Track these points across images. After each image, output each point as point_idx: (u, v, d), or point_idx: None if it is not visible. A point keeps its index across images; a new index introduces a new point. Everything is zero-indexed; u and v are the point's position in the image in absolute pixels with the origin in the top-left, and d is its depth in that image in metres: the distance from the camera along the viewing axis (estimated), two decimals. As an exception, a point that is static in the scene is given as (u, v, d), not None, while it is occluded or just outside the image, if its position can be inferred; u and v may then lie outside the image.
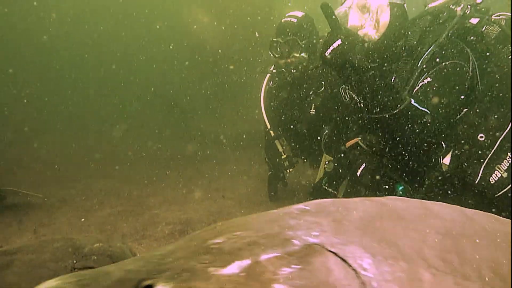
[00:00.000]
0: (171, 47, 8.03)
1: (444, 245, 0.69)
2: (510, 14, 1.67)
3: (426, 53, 1.55)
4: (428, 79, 1.54)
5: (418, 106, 1.51)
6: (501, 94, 1.52)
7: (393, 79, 1.70)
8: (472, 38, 1.58)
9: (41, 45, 10.26)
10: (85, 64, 10.58)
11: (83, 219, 2.75)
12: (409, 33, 1.66)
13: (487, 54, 1.55)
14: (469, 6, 1.70)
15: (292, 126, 3.06)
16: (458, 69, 1.52)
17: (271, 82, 3.11)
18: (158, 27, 8.65)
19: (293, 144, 3.18)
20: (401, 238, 0.69)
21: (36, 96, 8.94)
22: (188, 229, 2.65)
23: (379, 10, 1.63)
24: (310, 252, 0.62)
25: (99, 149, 5.94)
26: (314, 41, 2.81)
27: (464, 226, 0.75)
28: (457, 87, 1.51)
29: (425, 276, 0.63)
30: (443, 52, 1.55)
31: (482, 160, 1.51)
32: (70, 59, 10.72)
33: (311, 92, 2.93)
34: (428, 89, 1.52)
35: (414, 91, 1.58)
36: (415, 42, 1.63)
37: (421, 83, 1.56)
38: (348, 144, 1.93)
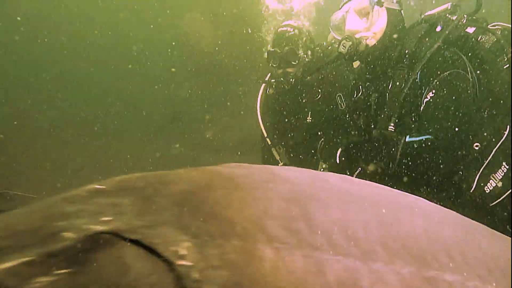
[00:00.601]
0: (169, 50, 8.05)
1: (290, 213, 0.58)
2: (506, 24, 1.68)
3: (423, 60, 1.53)
4: (431, 93, 1.50)
5: (416, 139, 1.48)
6: (496, 104, 1.51)
7: (389, 86, 1.69)
8: (468, 47, 1.57)
9: (38, 48, 10.25)
10: (79, 68, 10.57)
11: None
12: (406, 40, 1.65)
13: (484, 63, 1.53)
14: (465, 16, 1.70)
15: (288, 134, 3.06)
16: (460, 79, 1.48)
17: (268, 90, 3.11)
18: (152, 26, 8.67)
19: (289, 152, 3.17)
20: (236, 210, 0.57)
21: (31, 101, 8.91)
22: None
23: (376, 14, 1.63)
24: (92, 247, 0.46)
25: (95, 155, 5.90)
26: (311, 49, 2.83)
27: (314, 189, 0.65)
28: (462, 99, 1.46)
29: (266, 253, 0.52)
30: (440, 61, 1.53)
31: (477, 170, 1.50)
32: (65, 63, 10.70)
33: (307, 100, 2.94)
34: (433, 106, 1.48)
35: (421, 109, 1.54)
36: (411, 49, 1.62)
37: (425, 100, 1.51)
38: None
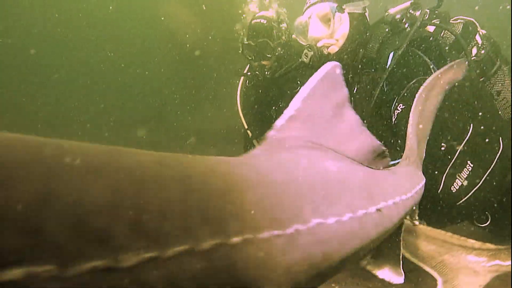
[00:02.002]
0: (150, 42, 7.84)
1: None
2: (468, 18, 1.70)
3: (388, 65, 1.50)
4: (401, 105, 1.47)
5: (394, 162, 1.40)
6: (458, 103, 1.51)
7: (354, 90, 1.67)
8: (429, 47, 1.55)
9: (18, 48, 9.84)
10: (60, 64, 10.21)
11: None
12: (369, 44, 1.62)
13: (445, 62, 1.51)
14: (427, 10, 1.70)
15: (269, 126, 3.05)
16: None
17: (247, 82, 3.09)
18: (132, 18, 8.42)
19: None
20: None
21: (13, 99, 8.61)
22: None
23: (338, 20, 1.59)
24: None
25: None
26: (285, 40, 2.79)
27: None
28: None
29: None
30: (404, 66, 1.51)
31: (444, 170, 1.50)
32: (46, 61, 10.31)
33: (288, 92, 2.93)
34: (405, 121, 1.39)
35: (393, 123, 1.51)
36: (374, 54, 1.60)
37: (397, 112, 1.49)
38: None
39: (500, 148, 1.55)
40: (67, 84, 9.78)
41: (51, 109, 8.56)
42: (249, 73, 2.92)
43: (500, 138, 1.57)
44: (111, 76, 10.08)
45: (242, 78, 3.09)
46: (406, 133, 1.44)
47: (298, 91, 2.82)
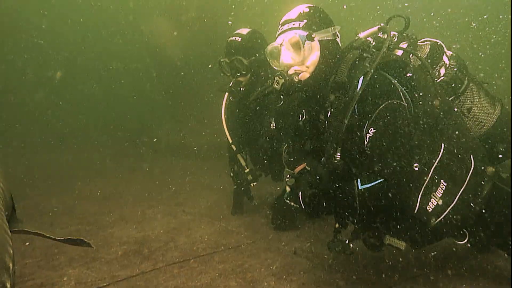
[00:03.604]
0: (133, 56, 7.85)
1: None
2: (434, 40, 1.76)
3: (358, 89, 1.51)
4: (372, 129, 1.49)
5: (369, 185, 1.46)
6: (431, 123, 1.54)
7: (328, 114, 1.68)
8: (398, 70, 1.58)
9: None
10: (40, 75, 10.09)
11: (27, 243, 2.56)
12: (340, 69, 1.64)
13: (413, 84, 1.55)
14: (395, 33, 1.76)
15: (253, 141, 3.08)
16: (396, 110, 1.48)
17: (231, 97, 3.13)
18: (116, 30, 8.44)
19: (255, 158, 3.20)
20: None
21: None
22: (144, 248, 2.55)
23: (308, 48, 1.61)
24: None
25: (52, 164, 5.66)
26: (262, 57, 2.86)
27: None
28: (402, 130, 1.46)
29: None
30: (373, 90, 1.52)
31: (418, 190, 1.50)
32: (30, 78, 10.18)
33: (270, 107, 2.97)
34: (376, 144, 1.46)
35: (366, 144, 1.51)
36: (345, 78, 1.61)
37: (368, 135, 1.50)
38: (297, 170, 1.90)
39: (471, 165, 1.59)
40: (50, 103, 9.60)
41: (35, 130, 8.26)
42: (227, 89, 2.98)
43: (472, 156, 1.60)
44: (96, 92, 10.01)
45: (226, 93, 3.13)
46: (379, 156, 1.45)
47: (281, 105, 2.82)
